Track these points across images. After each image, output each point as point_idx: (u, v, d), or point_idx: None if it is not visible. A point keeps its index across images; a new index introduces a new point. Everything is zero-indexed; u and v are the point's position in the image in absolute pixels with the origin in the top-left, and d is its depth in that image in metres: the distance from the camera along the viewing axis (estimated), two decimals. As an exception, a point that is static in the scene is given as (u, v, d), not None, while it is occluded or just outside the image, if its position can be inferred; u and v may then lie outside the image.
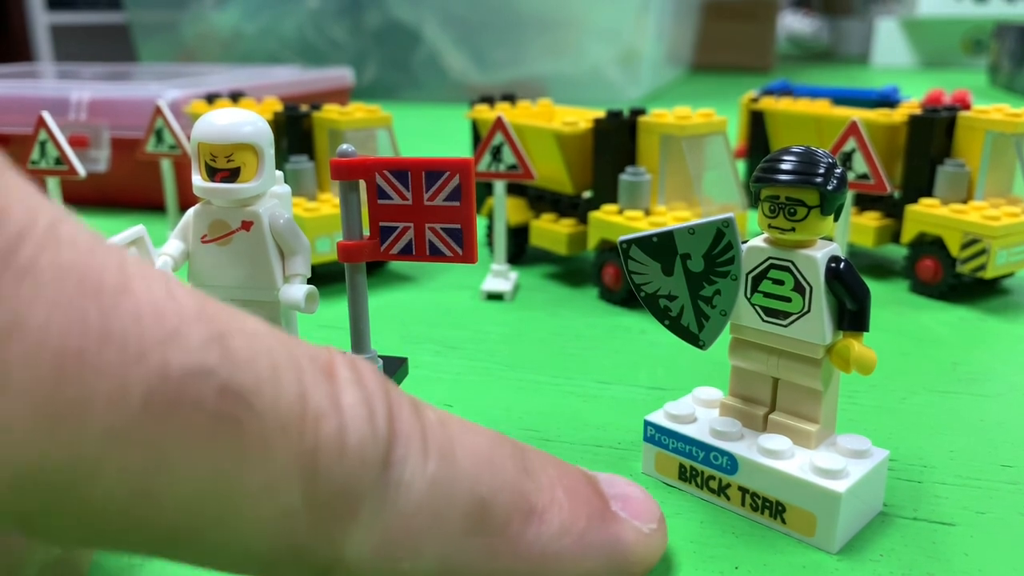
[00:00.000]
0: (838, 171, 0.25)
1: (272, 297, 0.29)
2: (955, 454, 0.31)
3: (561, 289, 0.52)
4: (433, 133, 1.18)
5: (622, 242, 0.27)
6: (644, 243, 0.27)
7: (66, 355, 0.14)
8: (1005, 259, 0.46)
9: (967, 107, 0.52)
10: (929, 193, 0.51)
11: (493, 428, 0.34)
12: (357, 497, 0.17)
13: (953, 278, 0.48)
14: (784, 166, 0.25)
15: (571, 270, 0.56)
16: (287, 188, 0.31)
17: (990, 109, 0.49)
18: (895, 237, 0.53)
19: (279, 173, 0.31)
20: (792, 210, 0.25)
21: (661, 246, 0.26)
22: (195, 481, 0.15)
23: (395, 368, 0.31)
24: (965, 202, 0.49)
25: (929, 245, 0.49)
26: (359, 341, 0.30)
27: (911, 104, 0.56)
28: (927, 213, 0.49)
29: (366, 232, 0.29)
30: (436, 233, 0.28)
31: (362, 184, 0.28)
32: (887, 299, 0.49)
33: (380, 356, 0.31)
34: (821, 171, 0.25)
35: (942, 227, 0.48)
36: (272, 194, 0.30)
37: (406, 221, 0.28)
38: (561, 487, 0.21)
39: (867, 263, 0.56)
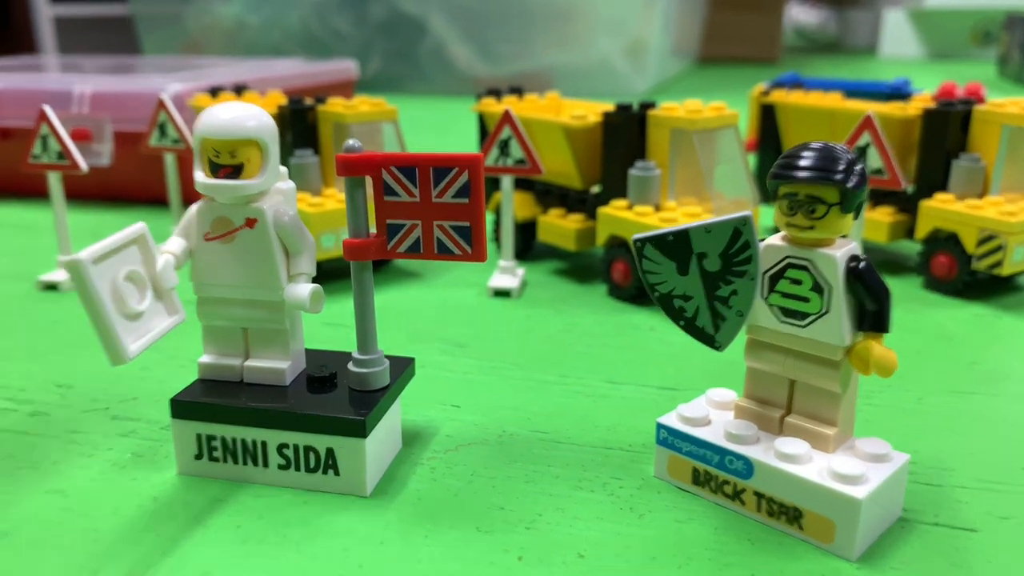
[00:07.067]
0: (858, 167, 0.25)
1: (276, 296, 0.29)
2: (975, 456, 0.31)
3: (569, 286, 0.51)
4: (439, 126, 1.17)
5: (636, 240, 0.26)
6: (659, 242, 0.26)
7: None
8: (1022, 255, 0.45)
9: (981, 100, 0.51)
10: (944, 188, 0.50)
11: (501, 429, 0.34)
12: None
13: (968, 275, 0.47)
14: (803, 162, 0.25)
15: (579, 266, 0.55)
16: (291, 184, 0.30)
17: (1006, 102, 0.48)
18: (909, 233, 0.52)
19: (283, 169, 0.30)
20: (811, 208, 0.25)
21: (676, 245, 0.26)
22: None
23: (401, 369, 0.31)
24: (981, 197, 0.48)
25: (944, 241, 0.48)
26: (365, 340, 0.29)
27: (924, 97, 0.55)
28: (942, 208, 0.48)
29: (373, 229, 0.28)
30: (444, 231, 0.28)
31: (368, 180, 0.28)
32: (901, 296, 0.48)
33: (386, 356, 0.30)
34: (841, 167, 0.24)
35: (957, 223, 0.47)
36: (276, 190, 0.29)
37: (414, 219, 0.28)
38: None
39: (880, 259, 0.56)
